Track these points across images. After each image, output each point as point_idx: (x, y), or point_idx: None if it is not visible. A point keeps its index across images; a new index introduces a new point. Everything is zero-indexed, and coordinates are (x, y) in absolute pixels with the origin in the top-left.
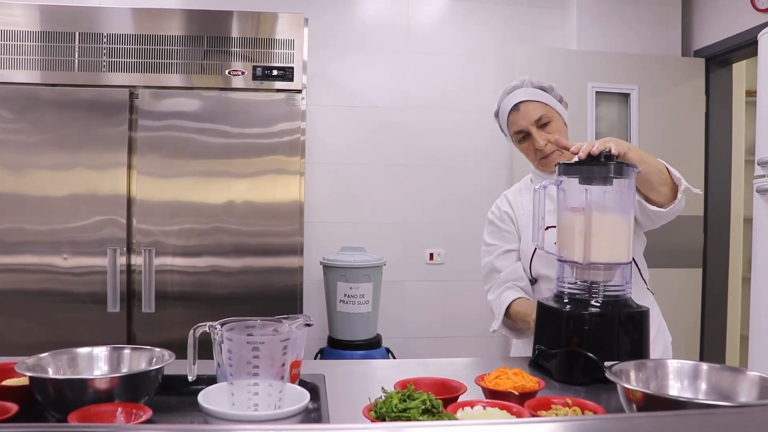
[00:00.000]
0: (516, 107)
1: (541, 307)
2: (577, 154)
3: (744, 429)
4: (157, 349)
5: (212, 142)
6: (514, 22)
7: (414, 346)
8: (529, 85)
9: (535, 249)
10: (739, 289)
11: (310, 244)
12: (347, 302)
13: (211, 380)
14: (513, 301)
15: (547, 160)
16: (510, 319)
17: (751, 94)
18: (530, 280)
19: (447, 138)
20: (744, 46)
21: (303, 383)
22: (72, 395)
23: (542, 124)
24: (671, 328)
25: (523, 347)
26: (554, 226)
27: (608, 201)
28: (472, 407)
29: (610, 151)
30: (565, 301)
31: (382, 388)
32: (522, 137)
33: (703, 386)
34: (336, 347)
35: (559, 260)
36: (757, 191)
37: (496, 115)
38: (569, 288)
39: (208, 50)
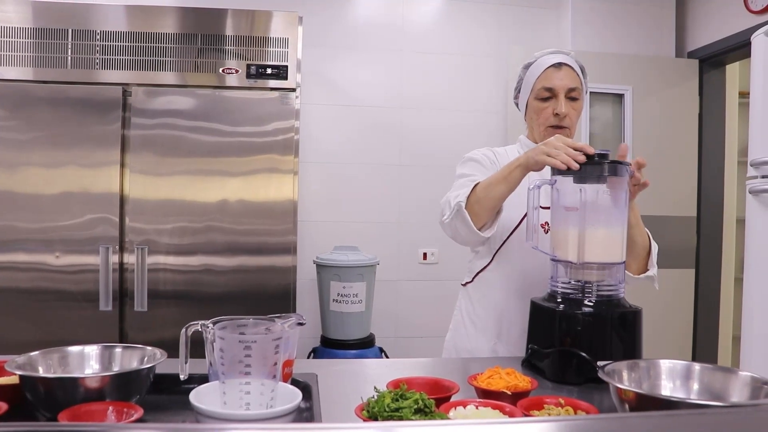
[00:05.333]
0: (559, 65)
1: (534, 307)
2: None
3: (736, 429)
4: (149, 348)
5: (206, 141)
6: (509, 22)
7: (407, 345)
8: (573, 59)
9: (524, 218)
10: (732, 289)
11: (304, 243)
12: (340, 301)
13: (203, 379)
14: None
15: (553, 132)
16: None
17: (744, 95)
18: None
19: (441, 137)
20: (737, 47)
21: (295, 382)
22: (62, 394)
23: (571, 97)
24: (664, 328)
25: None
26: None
27: (602, 200)
28: (464, 407)
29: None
30: (559, 300)
31: (375, 388)
32: (547, 97)
33: (696, 386)
34: (329, 346)
35: (552, 260)
36: (750, 192)
37: (527, 67)
38: (562, 287)
39: (202, 48)
